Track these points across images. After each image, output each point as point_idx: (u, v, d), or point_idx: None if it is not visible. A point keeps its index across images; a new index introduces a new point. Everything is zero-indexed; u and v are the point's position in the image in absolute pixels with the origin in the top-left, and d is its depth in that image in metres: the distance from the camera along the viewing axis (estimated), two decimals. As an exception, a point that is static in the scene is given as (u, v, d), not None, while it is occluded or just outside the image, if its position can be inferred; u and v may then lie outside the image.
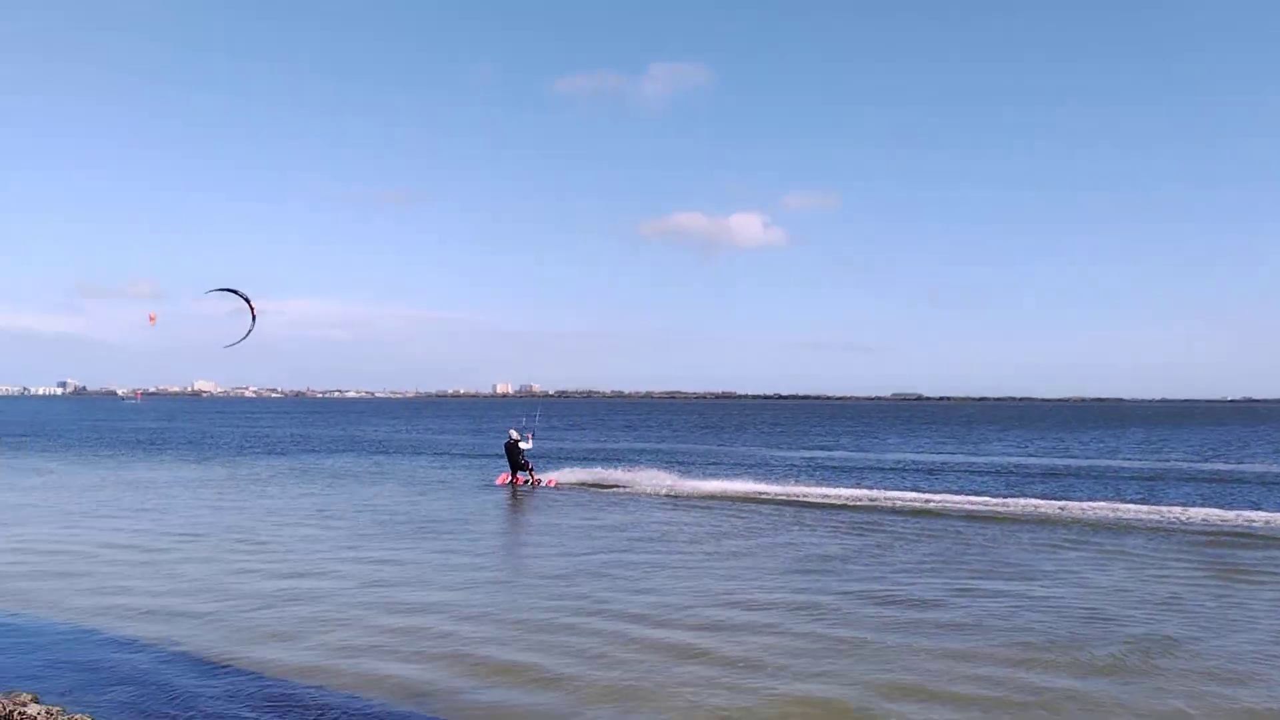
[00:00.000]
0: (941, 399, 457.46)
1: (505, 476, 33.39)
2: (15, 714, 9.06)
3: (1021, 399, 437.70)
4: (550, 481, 33.26)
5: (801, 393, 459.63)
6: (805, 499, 27.38)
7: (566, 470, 35.58)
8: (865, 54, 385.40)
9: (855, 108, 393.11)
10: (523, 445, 33.58)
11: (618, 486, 31.89)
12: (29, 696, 9.62)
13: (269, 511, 23.65)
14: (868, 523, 22.62)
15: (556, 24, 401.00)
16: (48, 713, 9.05)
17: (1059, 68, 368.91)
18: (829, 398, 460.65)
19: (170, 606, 13.26)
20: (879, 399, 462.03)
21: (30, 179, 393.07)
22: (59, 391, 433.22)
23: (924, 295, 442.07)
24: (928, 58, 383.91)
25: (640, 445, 58.18)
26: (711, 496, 29.10)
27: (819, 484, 31.88)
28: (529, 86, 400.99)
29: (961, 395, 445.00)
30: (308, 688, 9.91)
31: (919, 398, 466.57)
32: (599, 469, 36.21)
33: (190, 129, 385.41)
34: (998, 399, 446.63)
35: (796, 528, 21.50)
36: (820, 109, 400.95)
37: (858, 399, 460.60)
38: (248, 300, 18.19)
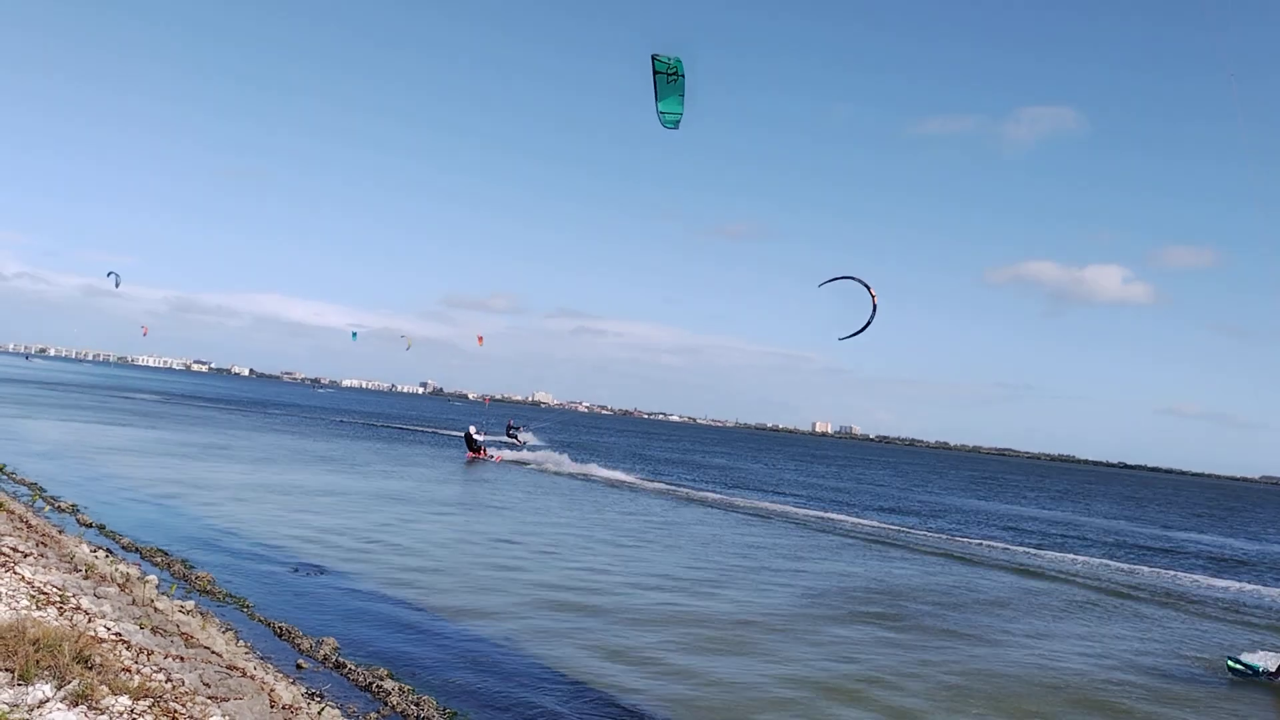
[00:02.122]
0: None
1: (470, 455, 53.12)
2: (374, 686, 11.48)
3: None
4: (497, 458, 53.83)
5: (1151, 464, 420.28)
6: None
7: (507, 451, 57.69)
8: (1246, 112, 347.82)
9: (1236, 163, 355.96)
10: (476, 437, 54.48)
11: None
12: (385, 671, 12.03)
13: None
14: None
15: (919, 66, 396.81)
16: (400, 689, 11.37)
17: None
18: (1184, 473, 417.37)
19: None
20: (1245, 479, 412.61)
21: (407, 208, 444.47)
22: (420, 391, 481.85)
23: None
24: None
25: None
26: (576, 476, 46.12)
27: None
28: (889, 128, 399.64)
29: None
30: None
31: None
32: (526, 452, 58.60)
33: (548, 168, 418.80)
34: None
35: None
36: (1196, 162, 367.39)
37: (1219, 477, 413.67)
38: (868, 287, 17.99)
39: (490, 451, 54.70)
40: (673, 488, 46.97)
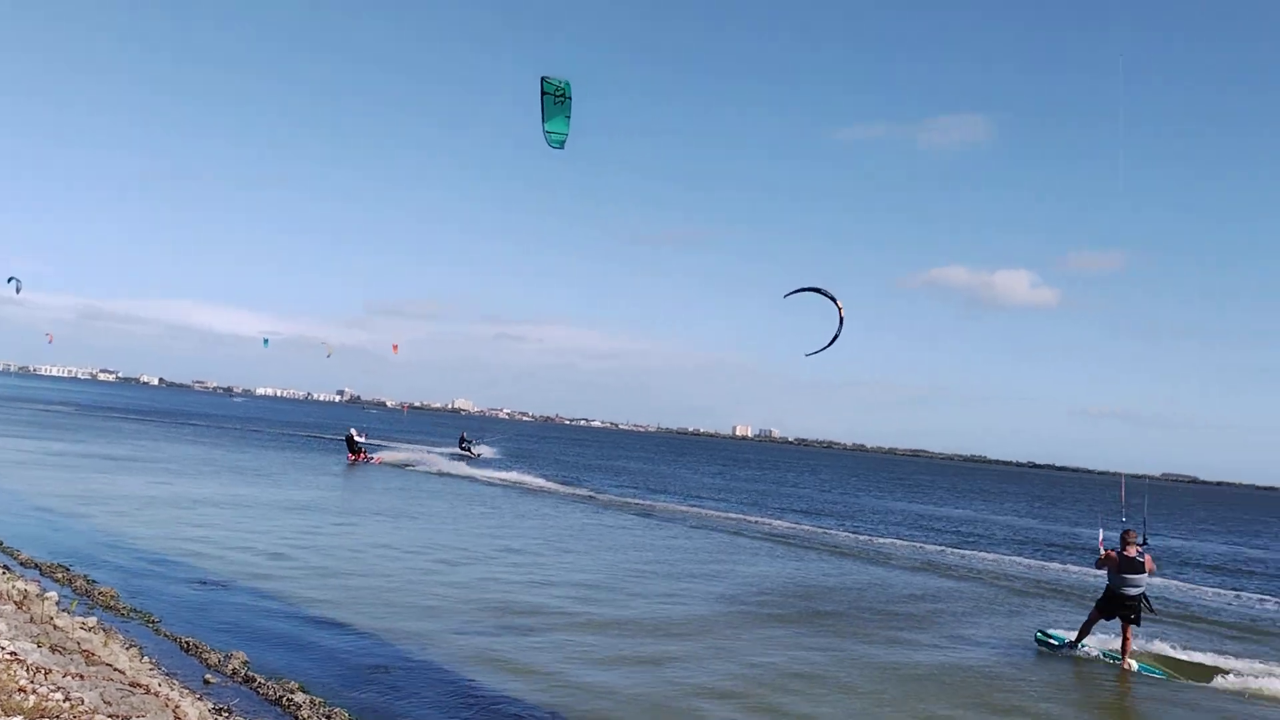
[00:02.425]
0: (1220, 484, 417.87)
1: (351, 458, 54.09)
2: (284, 700, 11.29)
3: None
4: (377, 460, 55.31)
5: (1060, 464, 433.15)
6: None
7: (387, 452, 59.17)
8: (1160, 117, 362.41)
9: (1144, 167, 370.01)
10: (358, 439, 55.52)
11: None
12: (296, 685, 11.84)
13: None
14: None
15: (838, 76, 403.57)
16: (312, 703, 11.20)
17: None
18: (1091, 471, 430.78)
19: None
20: (1146, 477, 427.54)
21: (328, 210, 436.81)
22: (337, 399, 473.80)
23: (1213, 367, 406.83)
24: (1233, 121, 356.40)
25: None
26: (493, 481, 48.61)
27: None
28: (805, 136, 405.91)
29: (1245, 481, 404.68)
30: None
31: (1193, 480, 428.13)
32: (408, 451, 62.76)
33: (469, 172, 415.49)
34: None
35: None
36: (1103, 164, 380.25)
37: (1120, 475, 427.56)
38: (834, 300, 17.00)
39: (369, 455, 56.65)
40: (594, 494, 47.01)
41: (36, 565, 16.88)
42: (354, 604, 16.47)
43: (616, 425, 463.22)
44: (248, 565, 19.04)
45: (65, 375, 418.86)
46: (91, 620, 12.88)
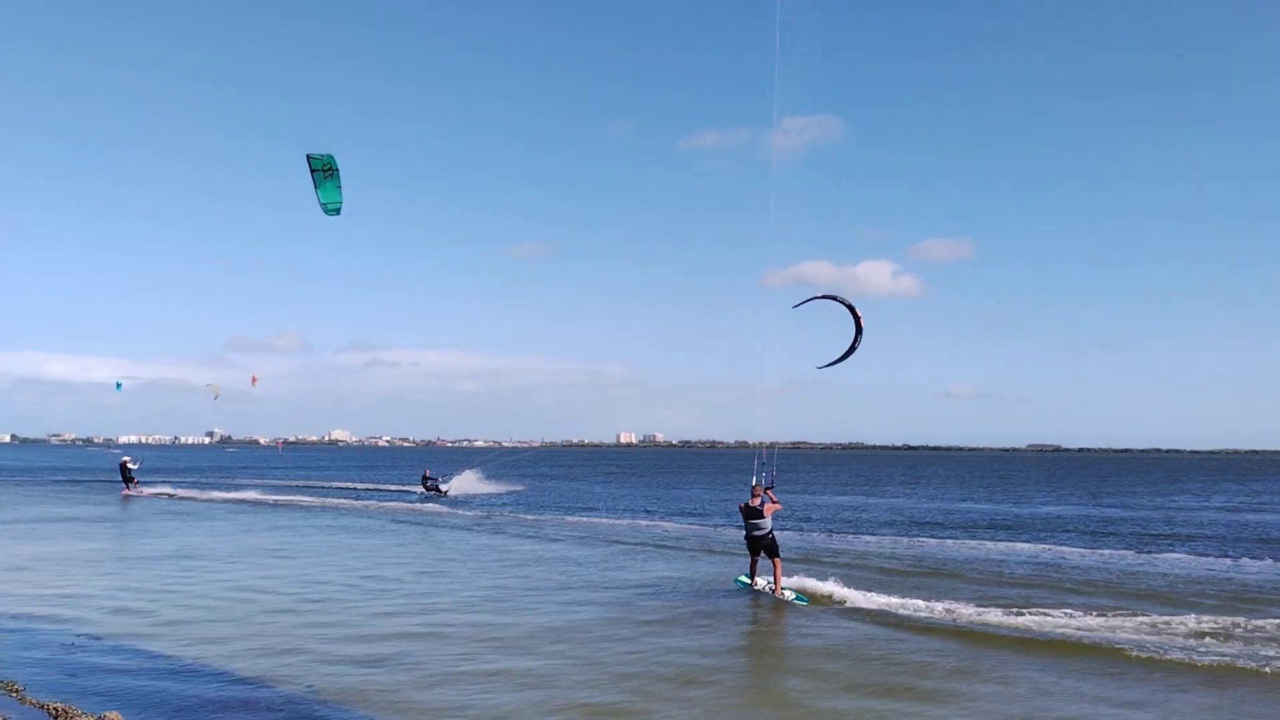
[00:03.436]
0: (1081, 450, 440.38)
1: (125, 489, 56.67)
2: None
3: (1168, 450, 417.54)
4: (146, 492, 58.50)
5: (933, 444, 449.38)
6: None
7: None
8: (999, 94, 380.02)
9: (986, 151, 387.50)
10: (131, 467, 58.77)
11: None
12: (115, 715, 11.47)
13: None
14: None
15: (687, 81, 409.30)
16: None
17: (1203, 99, 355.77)
18: (961, 449, 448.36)
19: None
20: (1014, 450, 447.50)
21: (181, 240, 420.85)
22: (206, 440, 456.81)
23: (1062, 343, 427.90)
24: (1063, 93, 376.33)
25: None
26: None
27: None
28: (662, 144, 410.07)
29: (1103, 447, 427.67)
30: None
31: (1056, 449, 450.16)
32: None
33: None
34: (1142, 450, 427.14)
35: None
36: (951, 155, 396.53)
37: (991, 450, 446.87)
38: (852, 309, 15.68)
39: (140, 485, 59.94)
40: (486, 514, 46.61)
41: (-118, 644, 15.83)
42: (221, 651, 15.99)
43: (500, 443, 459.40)
44: (110, 623, 18.25)
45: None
46: (-54, 696, 12.18)
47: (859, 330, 16.50)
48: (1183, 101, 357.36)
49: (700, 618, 19.33)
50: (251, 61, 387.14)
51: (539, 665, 15.13)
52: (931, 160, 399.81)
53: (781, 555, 21.88)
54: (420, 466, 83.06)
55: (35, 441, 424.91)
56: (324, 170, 17.45)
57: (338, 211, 17.69)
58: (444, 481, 63.14)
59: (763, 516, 20.90)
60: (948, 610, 19.99)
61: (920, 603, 20.63)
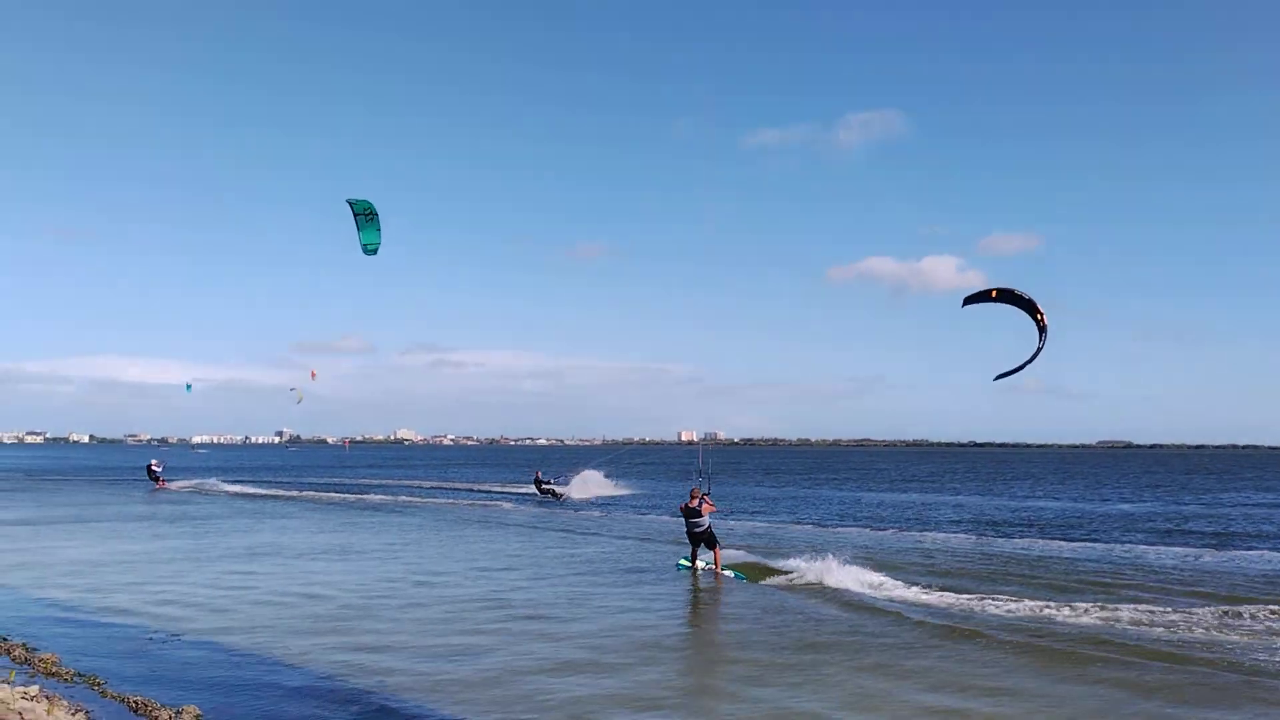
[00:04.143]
0: (1154, 446, 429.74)
1: (156, 485, 65.78)
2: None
3: (1245, 446, 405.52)
4: (175, 486, 66.78)
5: (999, 440, 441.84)
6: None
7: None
8: (1063, 92, 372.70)
9: (1053, 144, 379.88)
10: (155, 469, 66.92)
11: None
12: (193, 709, 11.65)
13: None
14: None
15: (749, 79, 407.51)
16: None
17: (1272, 97, 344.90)
18: (1029, 446, 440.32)
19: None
20: (1084, 446, 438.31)
21: (247, 245, 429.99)
22: (275, 440, 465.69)
23: (1133, 336, 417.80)
24: (1131, 87, 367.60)
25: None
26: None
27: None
28: (723, 141, 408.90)
29: (1177, 443, 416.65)
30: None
31: (1128, 445, 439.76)
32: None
33: (394, 191, 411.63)
34: (1217, 446, 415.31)
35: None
36: (1017, 147, 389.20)
37: (1060, 447, 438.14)
38: (1034, 309, 13.65)
39: (166, 482, 67.36)
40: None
41: (-29, 639, 16.35)
42: (296, 645, 16.21)
43: (562, 441, 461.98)
44: (187, 618, 18.62)
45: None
46: (33, 689, 12.51)
47: (1042, 332, 14.13)
48: (1254, 100, 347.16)
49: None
50: (314, 69, 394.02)
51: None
52: (997, 154, 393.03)
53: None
54: (493, 465, 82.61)
55: (113, 442, 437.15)
56: (365, 215, 18.94)
57: (375, 252, 19.30)
58: (560, 483, 57.31)
59: (701, 515, 24.58)
60: (908, 590, 22.41)
61: (886, 579, 23.52)
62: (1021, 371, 13.15)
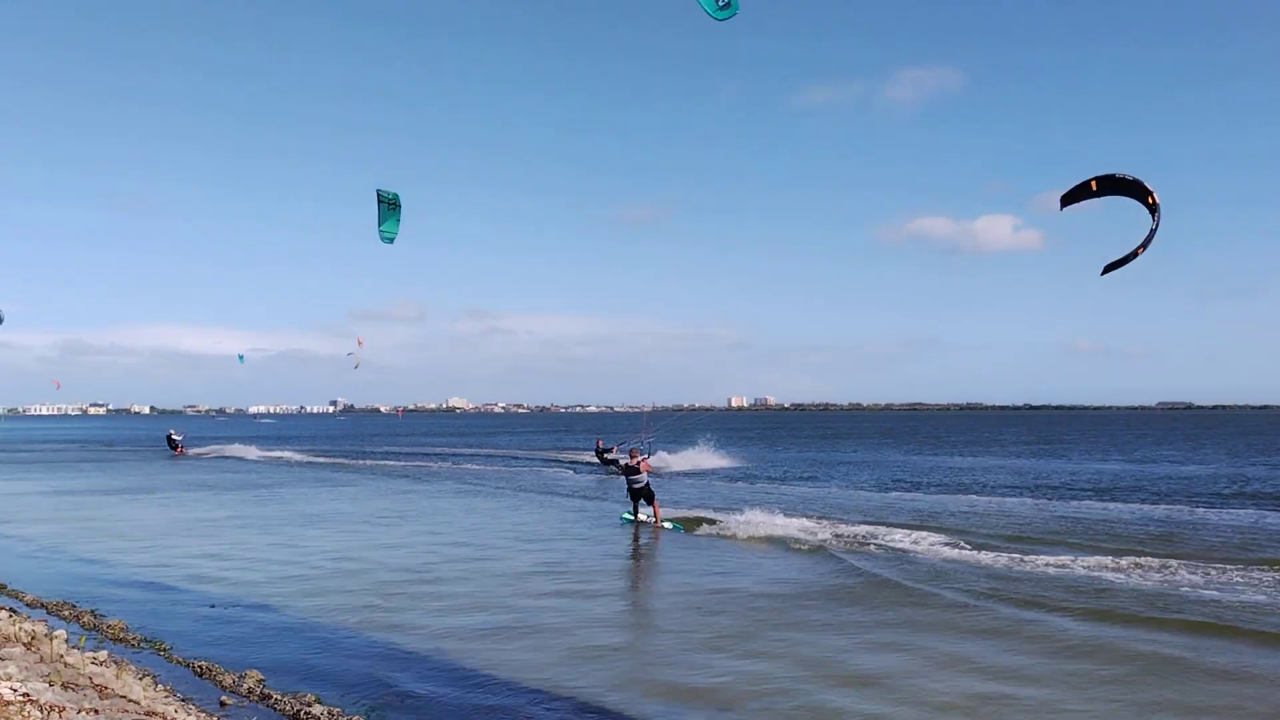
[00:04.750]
0: (1216, 408, 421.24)
1: (175, 451, 71.02)
2: (301, 713, 11.35)
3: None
4: (193, 453, 71.85)
5: (1055, 403, 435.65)
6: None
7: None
8: (1120, 35, 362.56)
9: (1111, 95, 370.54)
10: (176, 438, 70.57)
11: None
12: (313, 697, 11.89)
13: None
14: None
15: (796, 35, 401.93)
16: (329, 713, 11.25)
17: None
18: (1085, 408, 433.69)
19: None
20: (1143, 408, 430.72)
21: (302, 212, 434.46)
22: (330, 409, 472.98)
23: (1193, 294, 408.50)
24: (1187, 31, 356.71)
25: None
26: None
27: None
28: (771, 100, 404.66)
29: (1240, 403, 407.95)
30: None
31: (1189, 406, 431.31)
32: None
33: (440, 154, 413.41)
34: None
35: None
36: (1072, 99, 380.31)
37: (1118, 409, 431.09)
38: (1142, 188, 12.73)
39: (185, 450, 72.61)
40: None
41: (43, 605, 16.89)
42: (352, 612, 16.51)
43: (612, 409, 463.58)
44: (249, 585, 19.04)
45: (55, 413, 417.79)
46: (102, 654, 12.89)
47: (1154, 211, 12.63)
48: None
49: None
50: (373, 32, 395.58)
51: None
52: (1052, 108, 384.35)
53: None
54: (544, 430, 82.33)
55: (172, 413, 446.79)
56: (390, 204, 19.94)
57: (392, 241, 20.50)
58: (619, 451, 47.48)
59: (639, 473, 27.78)
60: (819, 532, 25.52)
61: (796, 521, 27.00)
62: (1135, 260, 11.96)
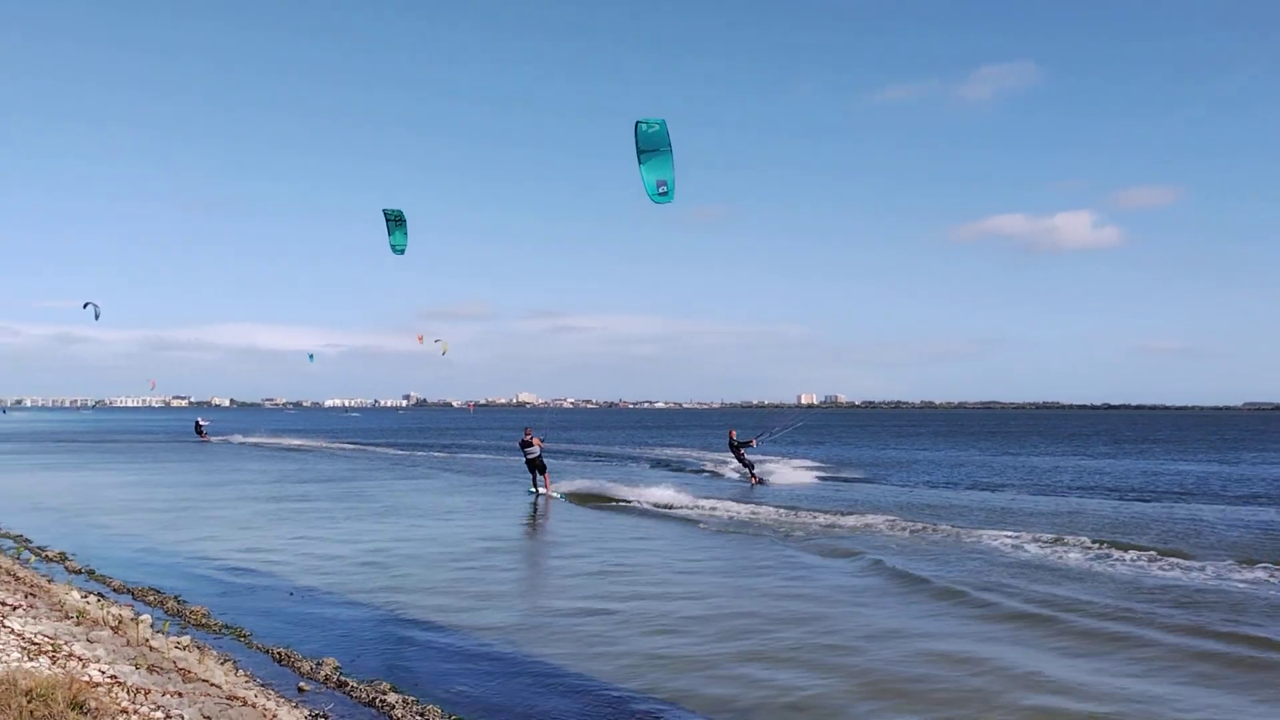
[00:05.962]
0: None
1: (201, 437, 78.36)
2: (377, 701, 11.45)
3: None
4: (214, 439, 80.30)
5: (1134, 402, 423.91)
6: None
7: None
8: (1201, 28, 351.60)
9: (1190, 89, 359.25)
10: (203, 424, 79.32)
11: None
12: (388, 685, 11.99)
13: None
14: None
15: (874, 33, 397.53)
16: (404, 702, 11.34)
17: None
18: (1167, 408, 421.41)
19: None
20: (1228, 409, 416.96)
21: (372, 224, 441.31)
22: (403, 404, 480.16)
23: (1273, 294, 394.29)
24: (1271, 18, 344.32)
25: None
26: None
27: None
28: (847, 99, 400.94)
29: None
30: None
31: (1277, 407, 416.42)
32: None
33: (507, 151, 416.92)
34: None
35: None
36: (1152, 94, 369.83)
37: (1202, 409, 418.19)
38: None
39: (209, 437, 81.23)
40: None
41: (129, 590, 17.34)
42: (433, 600, 16.65)
43: (680, 405, 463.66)
44: (328, 574, 19.34)
45: (139, 405, 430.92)
46: (185, 639, 13.18)
47: None
48: None
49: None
50: (439, 26, 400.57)
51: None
52: (1132, 103, 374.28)
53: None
54: (623, 428, 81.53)
55: (252, 406, 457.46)
56: (395, 220, 22.22)
57: (402, 252, 22.97)
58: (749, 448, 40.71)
59: (532, 446, 33.66)
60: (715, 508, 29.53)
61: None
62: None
